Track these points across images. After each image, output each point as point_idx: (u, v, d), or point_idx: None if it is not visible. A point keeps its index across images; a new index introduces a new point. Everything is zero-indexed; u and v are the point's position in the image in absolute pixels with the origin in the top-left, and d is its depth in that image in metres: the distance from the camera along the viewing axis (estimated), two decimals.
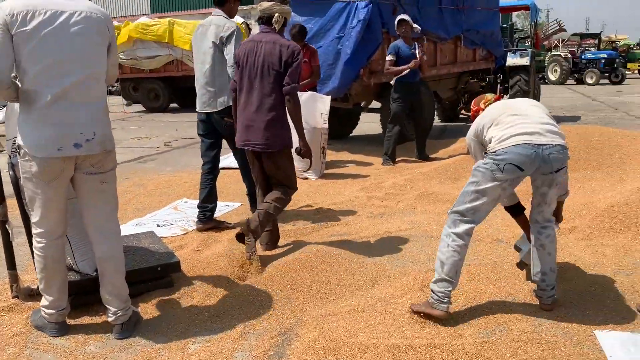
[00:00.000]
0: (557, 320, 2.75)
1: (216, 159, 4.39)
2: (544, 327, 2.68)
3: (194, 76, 4.30)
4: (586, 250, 3.68)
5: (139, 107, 15.72)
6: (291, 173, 3.73)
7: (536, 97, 11.63)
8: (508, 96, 10.65)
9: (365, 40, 6.88)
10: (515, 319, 2.76)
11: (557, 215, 3.34)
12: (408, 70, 6.47)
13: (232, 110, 3.80)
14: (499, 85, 10.70)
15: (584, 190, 4.89)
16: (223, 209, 4.97)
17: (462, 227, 2.68)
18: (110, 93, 19.62)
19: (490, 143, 2.71)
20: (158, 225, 4.52)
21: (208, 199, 4.33)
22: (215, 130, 4.26)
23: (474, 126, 2.94)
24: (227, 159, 7.32)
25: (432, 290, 2.75)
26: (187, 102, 15.71)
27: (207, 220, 4.34)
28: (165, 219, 4.73)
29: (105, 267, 2.71)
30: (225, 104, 4.08)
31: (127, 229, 4.36)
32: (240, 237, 3.57)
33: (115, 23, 14.59)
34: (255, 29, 4.52)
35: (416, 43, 6.72)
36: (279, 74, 3.47)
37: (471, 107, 3.12)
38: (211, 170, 4.36)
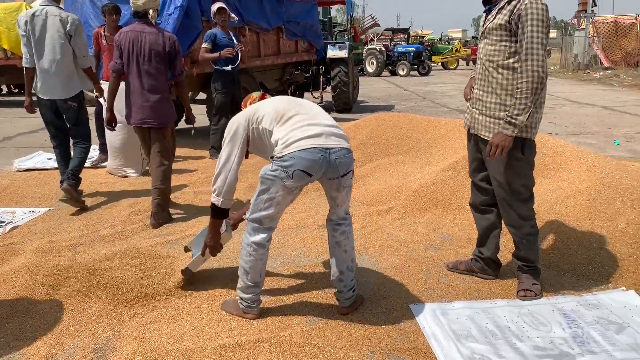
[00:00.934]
0: (378, 299, 2.89)
1: (67, 138, 4.79)
2: (366, 307, 2.80)
3: None
4: (401, 228, 3.94)
5: None
6: (173, 144, 4.44)
7: (355, 88, 12.33)
8: (330, 87, 11.11)
9: (185, 28, 6.57)
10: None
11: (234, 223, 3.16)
12: (229, 56, 6.33)
13: (111, 91, 4.23)
14: (321, 77, 11.09)
15: (398, 174, 5.25)
16: (28, 216, 4.39)
17: (262, 236, 2.60)
18: None
19: (276, 146, 2.53)
20: None
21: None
22: (61, 115, 4.66)
23: (245, 111, 2.67)
24: (32, 160, 6.54)
25: (240, 297, 2.69)
26: None
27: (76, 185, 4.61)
28: None
29: None
30: (75, 91, 4.57)
31: None
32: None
33: None
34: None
35: (231, 32, 6.62)
36: (163, 60, 4.17)
37: (241, 106, 2.89)
38: (65, 149, 4.78)
